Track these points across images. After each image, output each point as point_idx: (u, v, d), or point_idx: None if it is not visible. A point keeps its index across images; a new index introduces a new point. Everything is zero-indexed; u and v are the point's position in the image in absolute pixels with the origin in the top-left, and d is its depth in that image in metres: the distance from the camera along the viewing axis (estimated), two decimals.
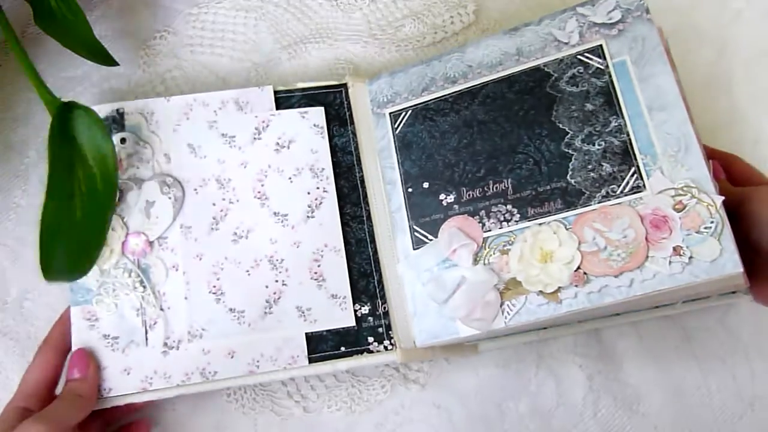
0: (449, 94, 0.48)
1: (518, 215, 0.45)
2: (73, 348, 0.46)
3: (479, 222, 0.45)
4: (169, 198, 0.48)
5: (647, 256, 0.41)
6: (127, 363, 0.45)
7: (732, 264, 0.39)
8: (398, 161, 0.49)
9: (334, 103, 0.52)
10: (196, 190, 0.49)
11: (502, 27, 0.59)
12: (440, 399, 0.51)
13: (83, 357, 0.45)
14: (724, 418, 0.49)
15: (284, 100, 0.51)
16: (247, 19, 0.59)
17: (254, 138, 0.50)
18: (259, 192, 0.49)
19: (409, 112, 0.49)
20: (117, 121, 0.49)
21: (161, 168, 0.49)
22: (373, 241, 0.49)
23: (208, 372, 0.45)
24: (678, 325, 0.51)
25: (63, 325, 0.47)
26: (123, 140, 0.49)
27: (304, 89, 0.52)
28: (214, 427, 0.50)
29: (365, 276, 0.48)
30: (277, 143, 0.50)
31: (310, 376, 0.51)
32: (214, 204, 0.48)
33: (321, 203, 0.49)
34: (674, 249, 0.40)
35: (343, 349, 0.47)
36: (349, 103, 0.52)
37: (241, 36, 0.59)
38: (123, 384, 0.45)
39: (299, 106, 0.51)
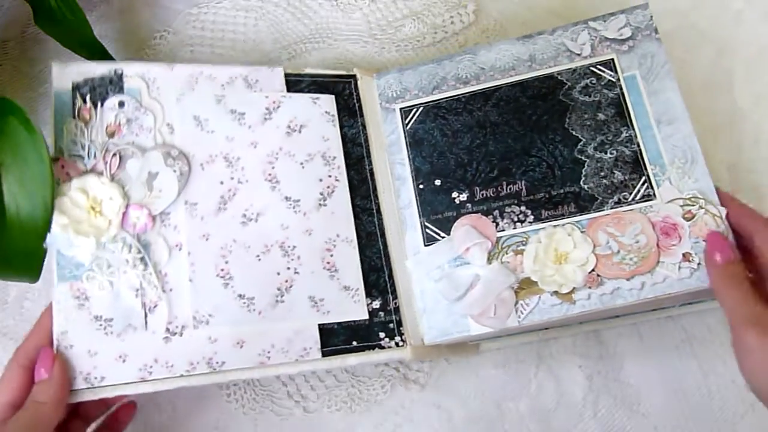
0: (462, 94, 0.49)
1: (532, 216, 0.46)
2: (54, 332, 0.41)
3: (492, 221, 0.46)
4: (174, 171, 0.45)
5: (658, 261, 0.43)
6: (123, 349, 0.41)
7: None
8: (409, 157, 0.49)
9: (343, 93, 0.51)
10: (202, 165, 0.46)
11: (502, 27, 0.59)
12: (440, 399, 0.51)
13: (48, 355, 0.40)
14: (725, 418, 0.49)
15: (293, 84, 0.50)
16: (247, 19, 0.59)
17: (265, 118, 0.48)
18: (269, 174, 0.47)
19: (421, 109, 0.50)
20: (114, 82, 0.46)
21: (164, 138, 0.46)
22: (383, 235, 0.48)
23: (215, 362, 0.42)
24: (678, 325, 0.51)
25: (38, 336, 0.41)
26: (122, 103, 0.45)
27: (313, 75, 0.51)
28: (214, 427, 0.50)
29: (376, 270, 0.47)
30: (289, 126, 0.48)
31: (310, 376, 0.51)
32: (221, 182, 0.46)
33: (333, 192, 0.48)
34: (683, 255, 0.43)
35: (354, 343, 0.45)
36: (358, 95, 0.51)
37: (241, 36, 0.59)
38: (118, 372, 0.41)
39: (309, 92, 0.50)
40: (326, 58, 0.58)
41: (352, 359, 0.45)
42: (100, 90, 0.45)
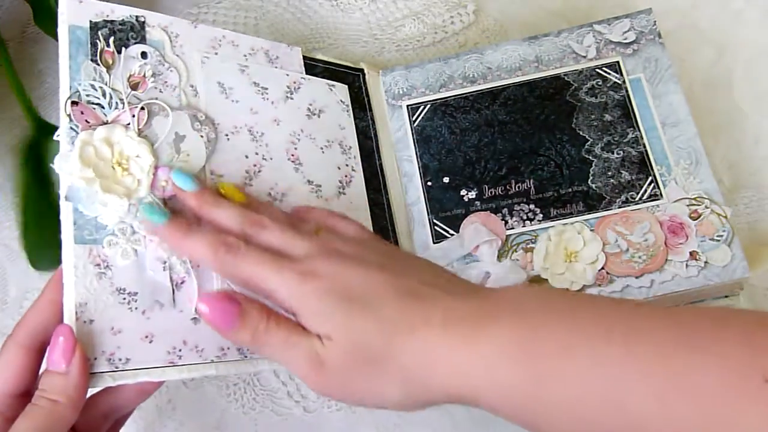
0: (469, 92, 0.50)
1: (541, 215, 0.46)
2: (69, 305, 0.34)
3: (502, 219, 0.46)
4: (201, 136, 0.41)
5: (666, 259, 0.44)
6: (150, 328, 0.36)
7: (741, 269, 0.43)
8: (416, 154, 0.49)
9: (354, 86, 0.51)
10: (227, 136, 0.42)
11: (502, 27, 0.59)
12: None
13: (68, 339, 0.33)
14: None
15: (309, 68, 0.49)
16: (247, 19, 0.59)
17: (287, 97, 0.46)
18: (293, 155, 0.45)
19: (428, 106, 0.50)
20: (135, 29, 0.41)
21: (188, 100, 0.42)
22: (395, 230, 0.48)
23: (245, 348, 0.38)
24: None
25: (43, 311, 0.35)
26: (144, 54, 0.41)
27: (326, 62, 0.50)
28: (214, 427, 0.50)
29: None
30: (309, 109, 0.47)
31: None
32: (247, 156, 0.43)
33: (351, 182, 0.47)
34: (691, 254, 0.44)
35: None
36: (367, 89, 0.51)
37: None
38: (144, 354, 0.35)
39: (324, 78, 0.50)
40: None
41: None
42: (121, 35, 0.40)
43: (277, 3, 0.60)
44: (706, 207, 0.44)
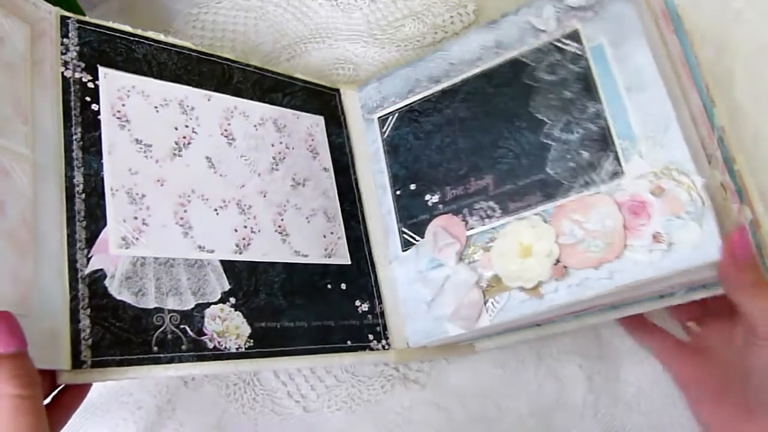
0: (432, 93, 0.49)
1: (500, 211, 0.44)
2: None
3: (462, 220, 0.45)
4: None
5: (625, 245, 0.39)
6: None
7: (714, 250, 0.37)
8: (387, 165, 0.49)
9: (329, 104, 0.53)
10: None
11: None
12: (440, 399, 0.51)
13: (6, 322, 0.31)
14: None
15: (287, 86, 0.51)
16: (247, 19, 0.59)
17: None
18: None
19: (396, 115, 0.50)
20: None
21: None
22: (368, 241, 0.50)
23: None
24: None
25: None
26: None
27: (304, 81, 0.52)
28: (214, 427, 0.50)
29: (364, 275, 0.49)
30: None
31: (310, 376, 0.51)
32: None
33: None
34: (653, 236, 0.38)
35: (349, 342, 0.46)
36: (343, 107, 0.53)
37: (241, 36, 0.59)
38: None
39: (301, 96, 0.51)
40: (326, 58, 0.58)
41: (347, 358, 0.45)
42: None
43: (277, 3, 0.60)
44: (672, 179, 0.38)
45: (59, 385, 0.36)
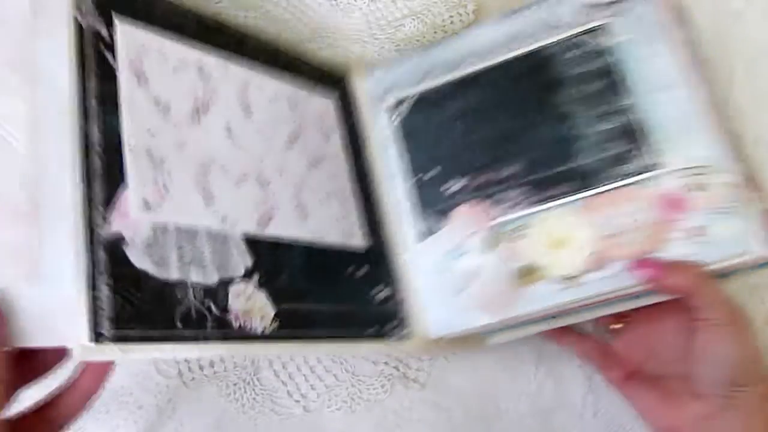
0: (449, 81, 0.48)
1: (528, 200, 0.44)
2: None
3: (488, 208, 0.45)
4: None
5: (664, 238, 0.40)
6: None
7: (754, 243, 0.38)
8: (399, 152, 0.49)
9: (340, 87, 0.52)
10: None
11: None
12: (440, 398, 0.51)
13: None
14: None
15: (294, 67, 0.50)
16: (247, 18, 0.59)
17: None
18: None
19: (410, 101, 0.49)
20: None
21: None
22: (385, 228, 0.49)
23: None
24: None
25: None
26: None
27: (312, 64, 0.52)
28: (214, 427, 0.50)
29: (383, 262, 0.48)
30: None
31: (310, 375, 0.51)
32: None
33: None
34: (690, 229, 0.39)
35: (369, 330, 0.44)
36: (352, 91, 0.53)
37: None
38: None
39: (311, 78, 0.51)
40: (326, 58, 0.58)
41: (370, 346, 0.44)
42: None
43: (276, 3, 0.60)
44: (707, 176, 0.39)
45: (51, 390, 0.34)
